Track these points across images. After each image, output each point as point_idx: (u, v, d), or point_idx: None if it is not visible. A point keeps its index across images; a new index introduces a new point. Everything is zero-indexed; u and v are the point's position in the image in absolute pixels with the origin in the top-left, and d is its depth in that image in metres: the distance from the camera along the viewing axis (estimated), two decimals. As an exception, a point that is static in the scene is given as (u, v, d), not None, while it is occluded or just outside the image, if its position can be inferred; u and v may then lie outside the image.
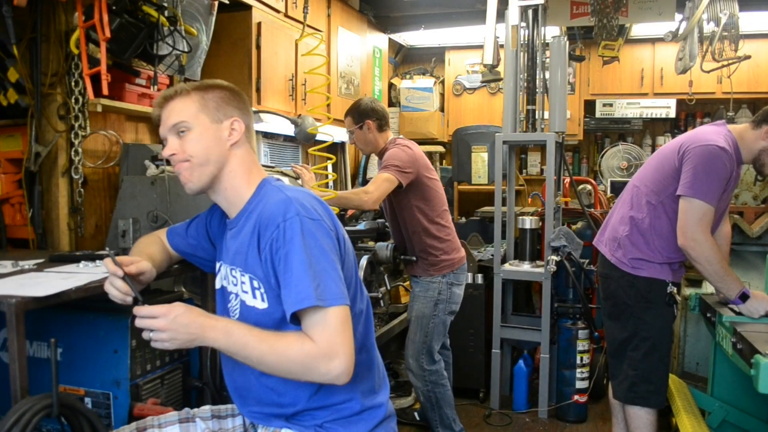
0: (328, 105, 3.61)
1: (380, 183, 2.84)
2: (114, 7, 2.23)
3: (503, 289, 3.86)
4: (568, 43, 3.82)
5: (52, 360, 1.32)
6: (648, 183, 2.57)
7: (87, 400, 1.71)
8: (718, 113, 5.47)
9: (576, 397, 3.59)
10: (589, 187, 4.83)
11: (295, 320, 1.35)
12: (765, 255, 3.07)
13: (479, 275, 3.91)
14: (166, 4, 2.41)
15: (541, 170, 5.72)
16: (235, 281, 1.49)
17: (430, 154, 4.90)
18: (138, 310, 1.34)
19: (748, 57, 4.18)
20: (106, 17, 2.19)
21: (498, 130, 4.16)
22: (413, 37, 5.73)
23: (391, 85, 5.79)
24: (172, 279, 2.26)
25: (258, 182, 1.52)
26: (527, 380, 3.78)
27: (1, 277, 1.62)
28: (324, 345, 1.30)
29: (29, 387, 1.37)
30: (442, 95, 5.95)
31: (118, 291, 1.42)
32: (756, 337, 2.00)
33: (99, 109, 2.43)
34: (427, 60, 6.10)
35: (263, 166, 3.09)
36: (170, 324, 1.32)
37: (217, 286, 1.60)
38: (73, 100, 2.41)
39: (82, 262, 1.83)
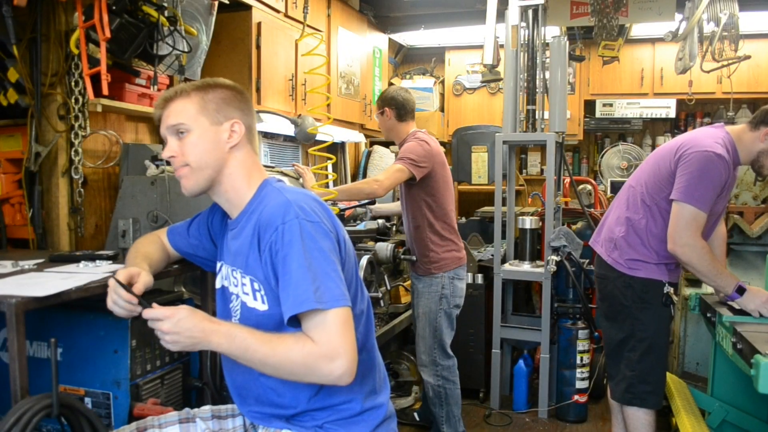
0: (328, 105, 3.62)
1: (392, 173, 2.92)
2: (114, 7, 2.23)
3: (503, 289, 3.86)
4: (568, 43, 3.82)
5: (52, 360, 1.32)
6: (644, 184, 2.57)
7: (87, 400, 1.71)
8: (718, 113, 5.47)
9: (576, 397, 3.59)
10: (589, 187, 4.83)
11: (294, 323, 1.35)
12: (765, 255, 3.07)
13: (479, 275, 3.91)
14: (166, 4, 2.40)
15: (541, 170, 5.72)
16: (236, 282, 1.49)
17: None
18: (146, 313, 1.36)
19: (748, 57, 4.18)
20: (106, 17, 2.19)
21: (498, 130, 4.17)
22: (413, 37, 5.73)
23: (391, 85, 5.79)
24: (172, 279, 2.26)
25: (259, 183, 1.51)
26: (527, 380, 3.78)
27: (1, 277, 1.62)
28: (325, 346, 1.30)
29: (29, 387, 1.37)
30: (442, 95, 5.96)
31: (123, 309, 1.42)
32: (756, 337, 2.00)
33: (99, 109, 2.43)
34: (427, 60, 6.10)
35: (264, 166, 3.09)
36: (173, 327, 1.32)
37: (218, 285, 1.60)
38: (73, 100, 2.41)
39: (82, 262, 1.83)
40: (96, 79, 2.27)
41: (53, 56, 2.38)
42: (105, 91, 2.28)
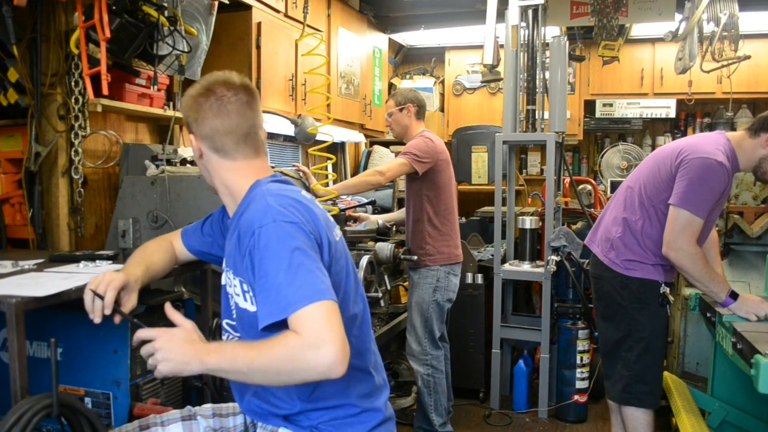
0: (328, 105, 3.61)
1: (394, 165, 3.07)
2: (114, 7, 2.23)
3: (503, 289, 3.86)
4: (568, 43, 3.82)
5: (52, 360, 1.32)
6: (642, 186, 2.57)
7: (87, 400, 1.71)
8: (718, 113, 5.47)
9: (576, 397, 3.59)
10: (589, 187, 4.84)
11: (274, 328, 1.29)
12: (765, 255, 3.07)
13: (479, 275, 3.91)
14: (166, 4, 2.40)
15: (541, 170, 5.71)
16: (230, 283, 1.49)
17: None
18: (138, 333, 1.35)
19: (748, 57, 4.18)
20: (106, 17, 2.19)
21: (498, 130, 4.17)
22: (413, 37, 5.72)
23: (391, 85, 5.78)
24: (172, 279, 2.26)
25: (250, 184, 1.49)
26: (527, 380, 3.78)
27: (1, 277, 1.62)
28: (309, 335, 1.23)
29: (29, 387, 1.37)
30: (442, 95, 5.95)
31: (98, 318, 1.43)
32: (756, 337, 2.00)
33: (99, 109, 2.43)
34: (427, 60, 6.10)
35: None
36: (167, 342, 1.31)
37: (222, 282, 1.60)
38: (73, 100, 2.41)
39: (82, 262, 1.83)
40: (96, 79, 2.27)
41: (53, 56, 2.38)
42: (105, 91, 2.28)
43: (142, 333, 1.34)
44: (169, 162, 2.51)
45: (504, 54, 3.89)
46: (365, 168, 5.10)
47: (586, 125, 5.62)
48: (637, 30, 5.16)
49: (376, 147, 5.23)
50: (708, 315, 2.56)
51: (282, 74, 3.44)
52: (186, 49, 2.59)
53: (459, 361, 3.82)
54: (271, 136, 3.85)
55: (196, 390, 1.98)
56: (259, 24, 3.20)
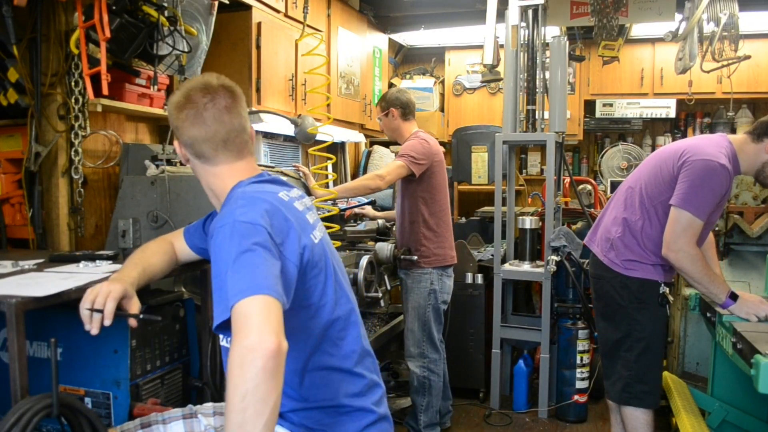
0: (328, 105, 3.62)
1: (393, 168, 3.08)
2: (114, 7, 2.23)
3: (503, 289, 3.86)
4: (568, 43, 3.82)
5: (52, 360, 1.32)
6: (643, 186, 2.57)
7: (87, 400, 1.70)
8: (718, 113, 5.47)
9: (576, 397, 3.59)
10: (589, 187, 4.83)
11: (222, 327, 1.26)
12: (765, 255, 3.07)
13: (479, 275, 3.91)
14: (166, 4, 2.40)
15: (541, 170, 5.71)
16: None
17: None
18: None
19: (748, 57, 4.18)
20: (106, 17, 2.19)
21: (498, 130, 4.17)
22: (413, 37, 5.72)
23: (391, 85, 5.78)
24: (172, 279, 2.26)
25: (230, 187, 1.49)
26: (527, 380, 3.78)
27: (1, 277, 1.62)
28: (241, 328, 1.16)
29: (29, 387, 1.37)
30: (442, 95, 5.95)
31: (94, 323, 1.42)
32: (756, 337, 2.00)
33: (99, 109, 2.43)
34: (427, 60, 6.10)
35: (263, 166, 3.09)
36: None
37: None
38: (73, 100, 2.41)
39: (82, 262, 1.83)
40: (96, 79, 2.27)
41: (53, 56, 2.38)
42: (105, 91, 2.28)
43: None
44: (169, 162, 2.51)
45: (504, 54, 3.89)
46: (365, 168, 5.10)
47: (586, 125, 5.62)
48: (637, 30, 5.16)
49: (376, 147, 5.24)
50: (708, 315, 2.56)
51: (282, 74, 3.44)
52: (186, 49, 2.59)
53: (459, 361, 3.83)
54: (271, 136, 3.85)
55: (196, 390, 1.98)
56: (259, 24, 3.20)
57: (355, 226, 3.47)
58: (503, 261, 3.85)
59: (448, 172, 5.67)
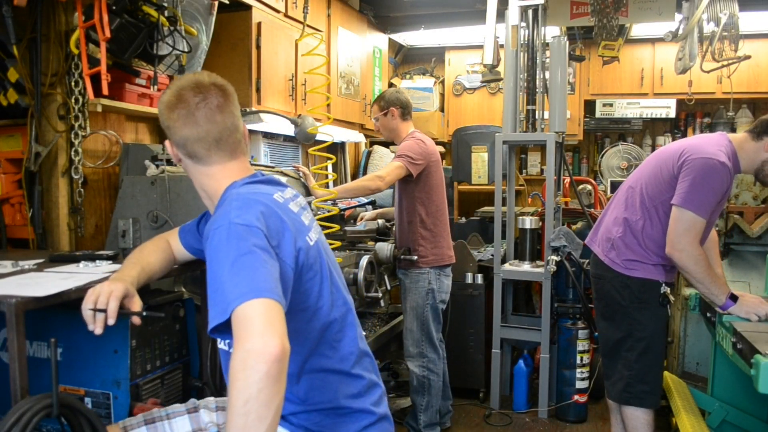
0: (328, 105, 3.62)
1: (392, 169, 3.08)
2: (114, 7, 2.23)
3: (503, 289, 3.86)
4: (568, 43, 3.82)
5: (52, 360, 1.32)
6: (644, 186, 2.58)
7: (87, 400, 1.70)
8: (718, 113, 5.47)
9: (576, 397, 3.59)
10: (589, 187, 4.83)
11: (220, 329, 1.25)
12: (765, 255, 3.07)
13: (479, 275, 3.91)
14: (166, 4, 2.40)
15: (541, 170, 5.71)
16: None
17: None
18: None
19: (748, 57, 4.18)
20: (106, 17, 2.19)
21: (498, 130, 4.17)
22: (413, 37, 5.72)
23: (390, 85, 5.78)
24: (172, 279, 2.26)
25: (224, 188, 1.48)
26: (527, 380, 3.78)
27: (1, 277, 1.62)
28: (244, 333, 1.15)
29: (29, 387, 1.37)
30: (442, 95, 5.95)
31: (99, 329, 1.42)
32: (756, 337, 2.00)
33: (99, 109, 2.43)
34: (427, 60, 6.10)
35: (263, 166, 3.09)
36: None
37: None
38: (73, 100, 2.41)
39: (82, 262, 1.83)
40: (96, 79, 2.27)
41: (53, 56, 2.38)
42: (105, 91, 2.28)
43: None
44: (169, 162, 2.51)
45: (504, 54, 3.89)
46: (365, 168, 5.09)
47: (586, 125, 5.62)
48: (637, 30, 5.16)
49: (376, 147, 5.23)
50: (708, 315, 2.56)
51: (282, 74, 3.44)
52: (186, 49, 2.60)
53: (459, 361, 3.83)
54: (271, 136, 3.85)
55: (196, 390, 1.98)
56: (259, 24, 3.20)
57: (355, 226, 3.48)
58: (503, 261, 3.85)
59: (448, 172, 5.71)
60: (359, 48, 4.55)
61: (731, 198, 3.56)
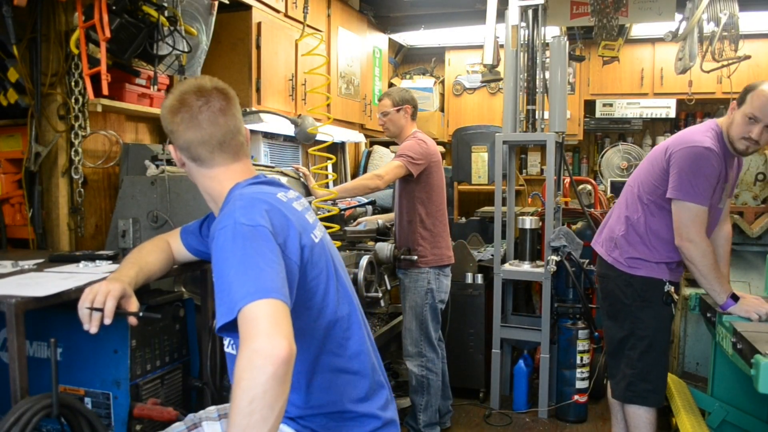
0: (328, 105, 3.62)
1: (391, 168, 3.09)
2: (114, 7, 2.23)
3: (503, 289, 3.86)
4: (568, 43, 3.82)
5: (52, 360, 1.32)
6: (639, 183, 2.61)
7: (87, 400, 1.70)
8: (718, 113, 5.47)
9: (576, 397, 3.59)
10: (589, 187, 4.83)
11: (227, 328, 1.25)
12: (765, 255, 3.07)
13: (479, 275, 3.91)
14: (166, 4, 2.40)
15: (541, 170, 5.72)
16: None
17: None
18: None
19: (748, 57, 4.18)
20: (106, 17, 2.19)
21: (498, 130, 4.16)
22: (413, 37, 5.72)
23: (390, 85, 5.79)
24: (171, 279, 2.26)
25: (228, 189, 1.49)
26: (527, 380, 3.78)
27: (1, 277, 1.62)
28: (250, 333, 1.15)
29: (29, 387, 1.37)
30: (442, 95, 5.95)
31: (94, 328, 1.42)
32: (756, 337, 2.00)
33: (99, 109, 2.43)
34: (427, 60, 6.10)
35: (263, 166, 3.09)
36: None
37: None
38: (73, 100, 2.41)
39: (82, 262, 1.83)
40: (96, 79, 2.27)
41: (53, 56, 2.38)
42: (105, 91, 2.28)
43: None
44: (169, 162, 2.51)
45: (504, 54, 3.89)
46: (365, 168, 5.09)
47: (586, 125, 5.62)
48: (637, 30, 5.16)
49: (376, 147, 5.23)
50: (708, 315, 2.56)
51: (282, 74, 3.44)
52: (186, 49, 2.59)
53: (459, 361, 3.83)
54: (271, 136, 3.85)
55: (196, 390, 1.97)
56: (259, 24, 3.20)
57: (355, 226, 3.48)
58: (503, 261, 3.85)
59: (448, 172, 5.71)
60: (359, 48, 4.55)
61: (732, 199, 3.56)
